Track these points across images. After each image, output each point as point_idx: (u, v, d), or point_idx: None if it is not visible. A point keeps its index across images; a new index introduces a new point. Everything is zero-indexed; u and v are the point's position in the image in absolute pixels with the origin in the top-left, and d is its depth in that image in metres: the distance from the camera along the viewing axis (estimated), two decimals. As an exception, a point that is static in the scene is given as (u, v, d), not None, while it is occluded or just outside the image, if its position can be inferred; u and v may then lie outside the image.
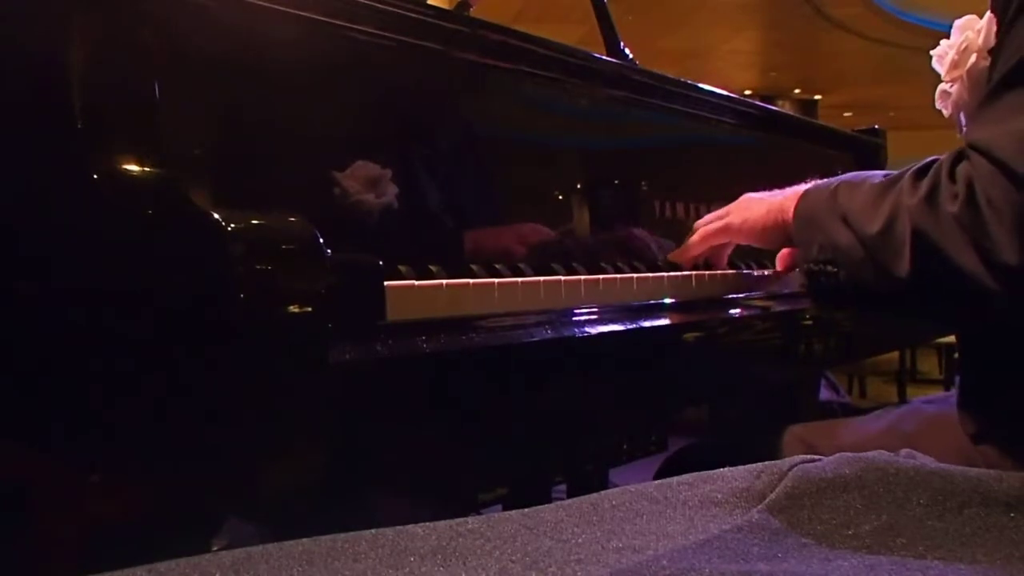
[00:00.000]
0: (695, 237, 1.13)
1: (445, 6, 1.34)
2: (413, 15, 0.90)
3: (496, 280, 0.82)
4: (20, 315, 0.61)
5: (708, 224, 1.12)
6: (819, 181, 0.98)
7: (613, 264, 1.05)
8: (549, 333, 0.80)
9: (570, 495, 1.32)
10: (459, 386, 0.72)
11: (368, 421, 0.65)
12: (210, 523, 0.59)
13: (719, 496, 0.65)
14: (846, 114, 11.98)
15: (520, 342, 0.76)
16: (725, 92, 1.41)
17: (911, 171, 0.82)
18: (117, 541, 0.58)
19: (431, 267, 0.81)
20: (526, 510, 0.62)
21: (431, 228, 0.94)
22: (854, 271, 0.87)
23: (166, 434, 0.57)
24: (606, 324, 0.86)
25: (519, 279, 0.84)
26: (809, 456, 0.69)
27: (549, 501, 0.65)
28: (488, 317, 0.78)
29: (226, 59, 0.76)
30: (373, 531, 0.55)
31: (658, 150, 1.33)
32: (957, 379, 0.98)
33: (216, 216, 0.57)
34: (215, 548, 0.56)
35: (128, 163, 0.60)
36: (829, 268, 0.90)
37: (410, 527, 0.57)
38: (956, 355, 1.04)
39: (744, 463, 0.68)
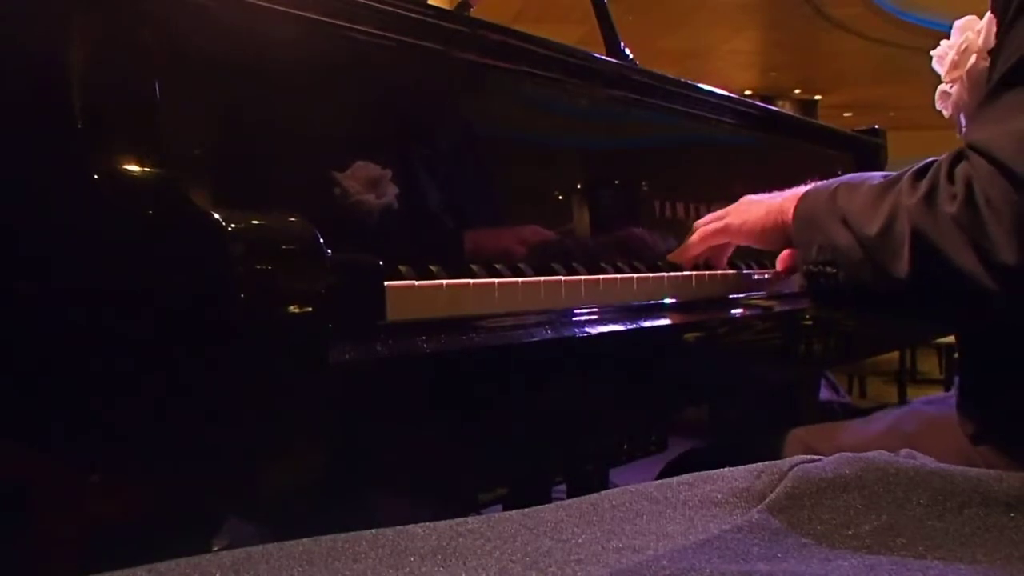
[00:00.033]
0: (694, 237, 1.13)
1: (445, 6, 1.35)
2: (413, 15, 0.90)
3: (496, 280, 0.82)
4: (20, 315, 0.61)
5: (707, 224, 1.12)
6: (819, 183, 0.98)
7: (613, 264, 1.05)
8: (549, 333, 0.80)
9: (570, 495, 1.32)
10: (459, 386, 0.72)
11: (368, 421, 0.65)
12: (210, 523, 0.59)
13: (719, 496, 0.65)
14: (846, 114, 11.98)
15: (520, 342, 0.76)
16: (725, 92, 1.41)
17: (910, 172, 0.82)
18: (117, 541, 0.58)
19: (431, 267, 0.81)
20: (526, 510, 0.62)
21: (431, 228, 0.94)
22: (853, 272, 0.87)
23: (166, 434, 0.57)
24: (606, 324, 0.86)
25: (519, 279, 0.84)
26: (809, 456, 0.69)
27: (549, 501, 0.65)
28: (488, 317, 0.78)
29: (226, 59, 0.76)
30: (373, 531, 0.55)
31: (658, 150, 1.33)
32: (956, 380, 0.98)
33: (216, 216, 0.57)
34: (215, 548, 0.56)
35: (128, 163, 0.60)
36: (828, 269, 0.90)
37: (410, 527, 0.57)
38: (956, 355, 1.04)
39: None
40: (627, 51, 1.43)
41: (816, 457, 0.69)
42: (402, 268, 0.79)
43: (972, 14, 0.91)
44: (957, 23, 0.92)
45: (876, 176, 0.88)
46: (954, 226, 0.75)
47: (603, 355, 0.85)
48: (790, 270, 1.07)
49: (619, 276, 0.96)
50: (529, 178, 1.11)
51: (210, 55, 0.74)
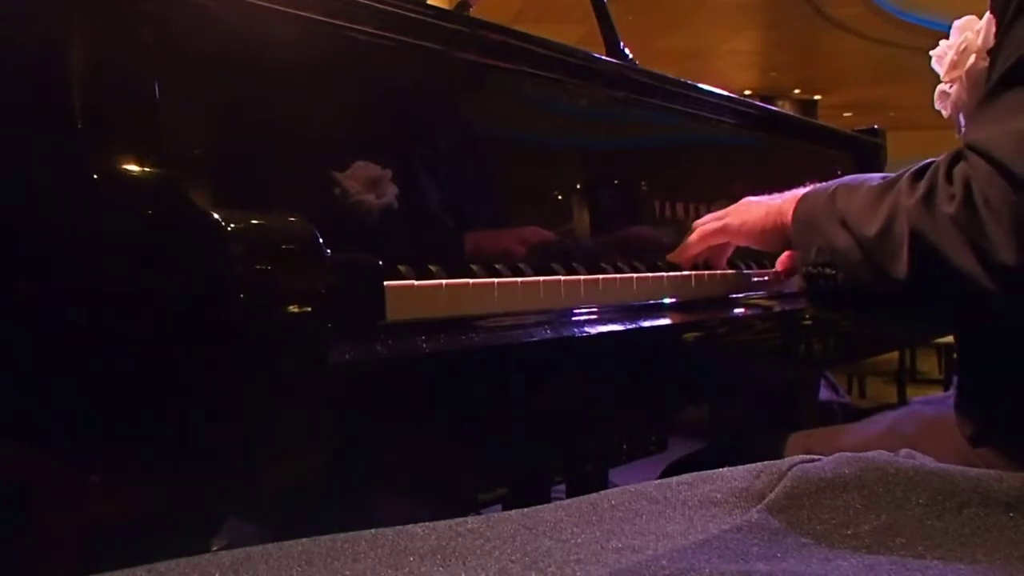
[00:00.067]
0: (693, 236, 1.13)
1: (445, 6, 1.35)
2: (413, 15, 0.90)
3: (496, 280, 0.82)
4: (20, 315, 0.61)
5: (706, 224, 1.12)
6: (818, 184, 0.98)
7: (613, 264, 1.05)
8: (549, 333, 0.80)
9: (570, 495, 1.32)
10: (459, 386, 0.72)
11: (368, 421, 0.65)
12: (210, 523, 0.59)
13: (719, 496, 0.65)
14: (846, 114, 11.98)
15: (520, 342, 0.76)
16: (725, 92, 1.41)
17: (909, 173, 0.82)
18: (117, 541, 0.58)
19: (431, 267, 0.81)
20: (526, 510, 0.62)
21: (431, 228, 0.94)
22: (852, 273, 0.87)
23: (166, 434, 0.57)
24: (606, 324, 0.86)
25: (519, 279, 0.84)
26: (808, 456, 0.69)
27: (549, 501, 0.66)
28: (488, 317, 0.78)
29: (226, 59, 0.76)
30: (373, 531, 0.55)
31: (658, 150, 1.33)
32: (955, 380, 0.98)
33: (216, 216, 0.57)
34: (215, 548, 0.56)
35: (128, 163, 0.60)
36: (828, 271, 0.90)
37: (410, 527, 0.57)
38: (955, 355, 1.04)
39: (744, 469, 0.68)
40: (627, 51, 1.43)
41: (815, 457, 0.69)
42: (402, 268, 0.79)
43: (972, 14, 0.91)
44: (956, 23, 0.92)
45: (875, 177, 0.88)
46: (953, 226, 0.75)
47: (603, 355, 0.85)
48: (789, 271, 1.07)
49: (619, 276, 0.96)
50: (529, 178, 1.11)
51: (210, 55, 0.74)
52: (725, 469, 0.68)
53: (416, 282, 0.75)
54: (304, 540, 0.53)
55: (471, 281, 0.80)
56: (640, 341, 0.89)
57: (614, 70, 1.22)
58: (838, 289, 0.90)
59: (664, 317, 0.96)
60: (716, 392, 1.20)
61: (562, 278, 0.88)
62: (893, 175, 0.86)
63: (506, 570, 0.53)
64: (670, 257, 1.15)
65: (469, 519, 0.59)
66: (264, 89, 0.79)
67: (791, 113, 3.93)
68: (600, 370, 0.84)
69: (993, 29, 0.85)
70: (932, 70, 0.94)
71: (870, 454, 0.68)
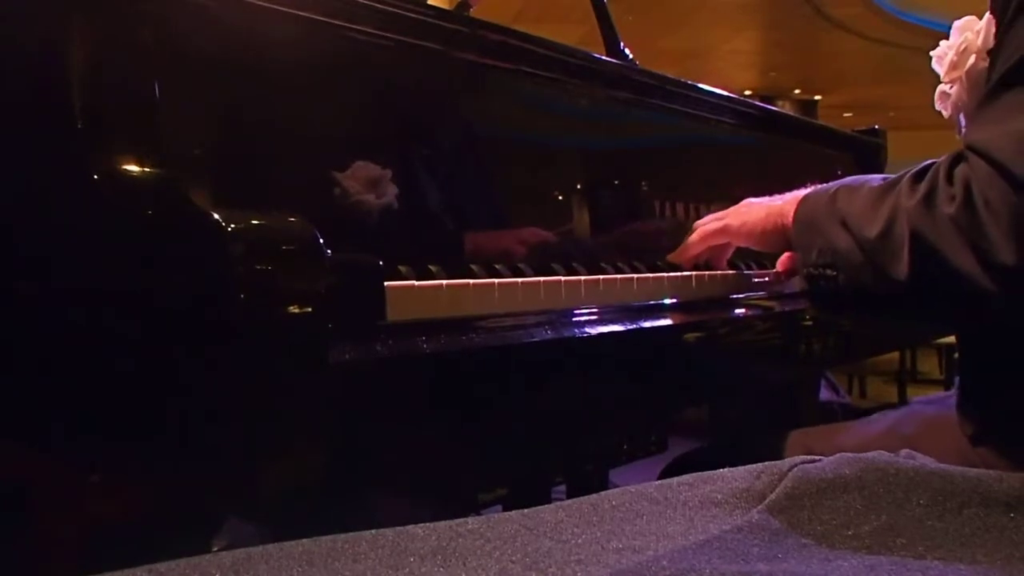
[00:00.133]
0: (694, 236, 1.13)
1: (445, 6, 1.35)
2: (413, 15, 0.90)
3: (496, 280, 0.82)
4: (20, 315, 0.61)
5: (707, 224, 1.12)
6: (818, 186, 0.98)
7: (613, 264, 1.05)
8: (549, 333, 0.80)
9: (570, 495, 1.32)
10: (459, 386, 0.72)
11: (368, 421, 0.65)
12: (210, 523, 0.59)
13: (719, 496, 0.65)
14: (846, 114, 11.98)
15: (520, 342, 0.76)
16: (725, 92, 1.41)
17: (909, 174, 0.82)
18: (117, 541, 0.58)
19: (431, 267, 0.81)
20: (526, 510, 0.62)
21: (431, 228, 0.94)
22: (853, 275, 0.87)
23: (166, 434, 0.57)
24: (606, 324, 0.86)
25: (519, 279, 0.84)
26: (809, 456, 0.69)
27: (549, 501, 0.66)
28: (488, 317, 0.78)
29: (226, 59, 0.76)
30: (373, 531, 0.55)
31: (658, 150, 1.33)
32: (956, 380, 0.98)
33: (216, 216, 0.57)
34: (215, 548, 0.56)
35: (128, 163, 0.60)
36: (828, 272, 0.90)
37: (410, 527, 0.57)
38: (956, 355, 1.04)
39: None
40: (627, 51, 1.43)
41: (816, 457, 0.69)
42: (402, 268, 0.79)
43: (972, 14, 0.91)
44: (956, 23, 0.92)
45: (876, 178, 0.88)
46: (953, 227, 0.75)
47: (603, 355, 0.85)
48: (790, 272, 1.07)
49: (619, 276, 0.96)
50: (529, 178, 1.11)
51: (210, 55, 0.74)
52: (726, 470, 0.68)
53: (416, 282, 0.75)
54: (304, 540, 0.53)
55: (471, 281, 0.80)
56: (640, 341, 0.89)
57: (614, 70, 1.22)
58: (839, 290, 0.90)
59: (665, 317, 0.96)
60: (716, 392, 1.21)
61: (563, 278, 0.88)
62: (894, 176, 0.86)
63: (507, 571, 0.53)
64: (670, 257, 1.15)
65: (469, 519, 0.59)
66: (264, 89, 0.79)
67: (791, 113, 3.93)
68: (600, 370, 0.84)
69: (993, 29, 0.85)
70: (932, 70, 0.94)
71: (870, 455, 0.68)
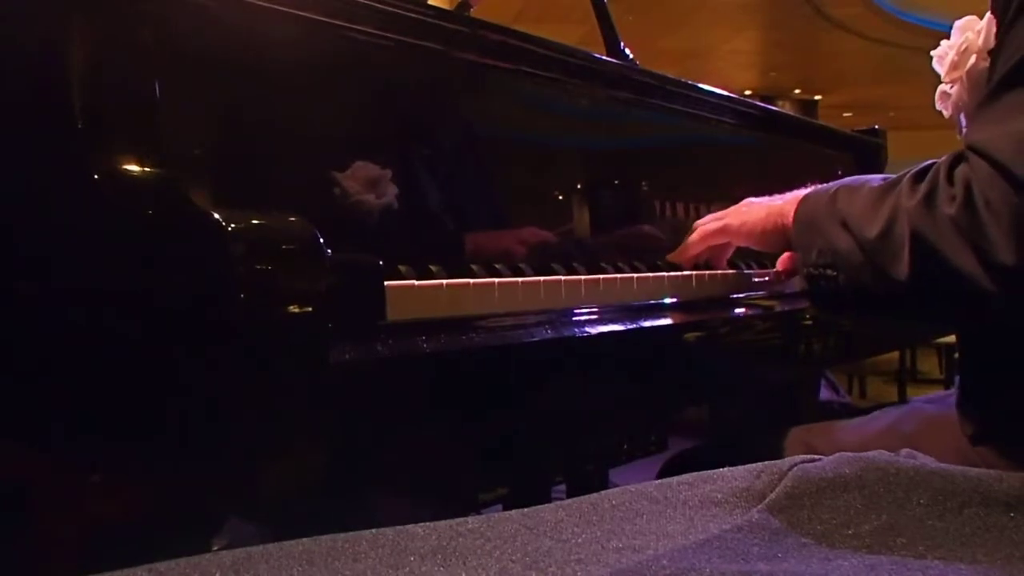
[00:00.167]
0: (694, 236, 1.13)
1: (445, 6, 1.35)
2: (413, 15, 0.90)
3: (496, 280, 0.82)
4: (20, 315, 0.61)
5: (707, 224, 1.12)
6: (819, 186, 0.98)
7: (613, 264, 1.05)
8: (549, 333, 0.80)
9: (570, 495, 1.32)
10: (459, 386, 0.72)
11: (368, 421, 0.65)
12: (210, 523, 0.59)
13: (719, 496, 0.65)
14: (846, 114, 11.98)
15: (520, 342, 0.76)
16: (725, 92, 1.41)
17: (910, 174, 0.82)
18: (117, 541, 0.58)
19: (431, 267, 0.81)
20: (526, 510, 0.62)
21: (431, 228, 0.94)
22: (853, 275, 0.87)
23: (166, 434, 0.57)
24: (606, 324, 0.86)
25: (519, 279, 0.84)
26: (809, 456, 0.69)
27: (549, 501, 0.66)
28: (488, 317, 0.78)
29: (226, 59, 0.76)
30: (373, 531, 0.55)
31: (658, 150, 1.33)
32: (957, 379, 0.98)
33: (216, 216, 0.57)
34: (215, 548, 0.56)
35: (128, 163, 0.60)
36: (829, 272, 0.90)
37: (410, 527, 0.57)
38: (956, 355, 1.04)
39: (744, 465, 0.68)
40: (627, 51, 1.43)
41: (816, 457, 0.69)
42: (402, 268, 0.79)
43: (972, 14, 0.91)
44: (957, 23, 0.92)
45: (876, 179, 0.88)
46: (953, 228, 0.75)
47: (603, 355, 0.85)
48: (790, 272, 1.07)
49: (619, 276, 0.96)
50: (529, 178, 1.11)
51: (210, 55, 0.74)
52: (725, 469, 0.68)
53: (416, 282, 0.75)
54: (305, 540, 0.53)
55: (472, 281, 0.80)
56: (641, 341, 0.89)
57: (614, 70, 1.22)
58: (839, 290, 0.90)
59: (665, 317, 0.96)
60: (716, 392, 1.20)
61: (563, 278, 0.88)
62: (894, 176, 0.86)
63: (507, 570, 0.53)
64: (670, 257, 1.15)
65: (470, 519, 0.59)
66: (264, 89, 0.79)
67: (791, 113, 3.93)
68: (600, 370, 0.84)
69: (994, 29, 0.85)
70: (932, 70, 0.94)
71: (871, 454, 0.68)
